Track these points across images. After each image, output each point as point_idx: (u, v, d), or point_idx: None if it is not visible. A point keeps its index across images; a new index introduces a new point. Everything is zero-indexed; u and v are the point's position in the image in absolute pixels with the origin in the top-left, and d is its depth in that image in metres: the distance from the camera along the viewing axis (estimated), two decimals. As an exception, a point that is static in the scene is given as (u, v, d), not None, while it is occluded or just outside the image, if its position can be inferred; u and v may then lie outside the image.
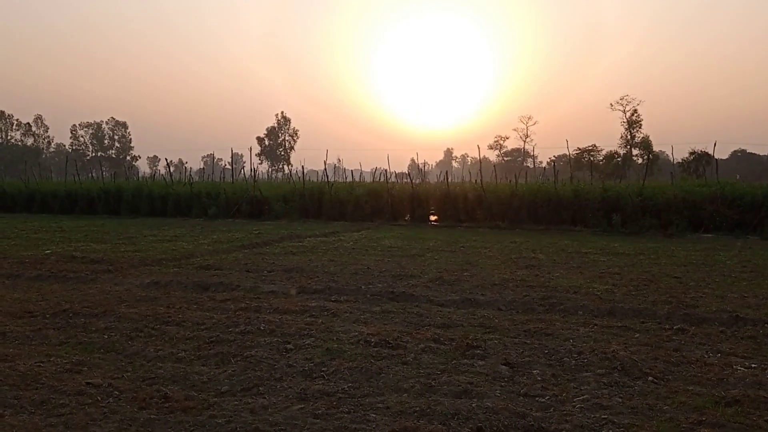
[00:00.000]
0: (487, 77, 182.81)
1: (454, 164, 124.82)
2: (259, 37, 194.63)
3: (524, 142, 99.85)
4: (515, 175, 23.68)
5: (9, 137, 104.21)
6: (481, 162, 23.34)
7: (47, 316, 6.38)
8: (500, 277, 8.98)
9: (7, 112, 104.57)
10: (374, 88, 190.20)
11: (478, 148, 27.60)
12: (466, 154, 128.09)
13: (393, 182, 24.58)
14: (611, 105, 74.04)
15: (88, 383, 4.24)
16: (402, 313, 6.64)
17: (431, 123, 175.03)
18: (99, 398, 4.00)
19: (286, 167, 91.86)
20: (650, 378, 4.52)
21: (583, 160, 60.81)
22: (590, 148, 67.12)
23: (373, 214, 21.15)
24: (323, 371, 4.61)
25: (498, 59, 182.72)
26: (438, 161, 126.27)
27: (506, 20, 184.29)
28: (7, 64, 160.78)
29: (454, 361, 4.88)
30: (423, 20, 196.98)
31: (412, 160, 76.81)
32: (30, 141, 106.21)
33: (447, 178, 22.74)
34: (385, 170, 26.44)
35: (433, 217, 21.03)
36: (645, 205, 17.21)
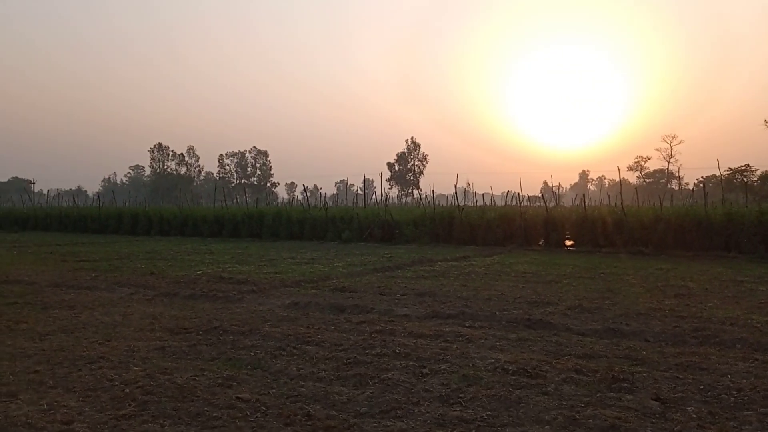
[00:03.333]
0: (624, 94, 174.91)
1: (591, 187, 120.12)
2: (393, 68, 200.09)
3: (668, 162, 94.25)
4: (659, 198, 22.32)
5: (165, 167, 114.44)
6: (621, 184, 22.18)
7: (200, 332, 6.84)
8: (646, 306, 8.44)
9: (165, 143, 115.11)
10: (507, 109, 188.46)
11: (618, 170, 26.34)
12: (603, 176, 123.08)
13: (526, 206, 24.05)
14: (766, 121, 68.07)
15: (237, 398, 4.47)
16: (540, 341, 6.42)
17: (565, 144, 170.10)
18: (248, 413, 4.20)
19: (415, 192, 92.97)
20: (825, 422, 4.02)
21: (735, 181, 56.19)
22: (743, 168, 61.95)
23: (505, 238, 20.78)
24: (460, 397, 4.54)
25: (635, 75, 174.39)
26: (573, 184, 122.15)
27: (642, 33, 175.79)
28: (165, 102, 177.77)
29: (599, 394, 4.62)
30: (556, 39, 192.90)
31: (545, 182, 74.92)
32: (183, 170, 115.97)
33: (584, 201, 21.90)
34: (517, 193, 25.95)
35: (568, 242, 20.27)
36: (810, 229, 15.52)
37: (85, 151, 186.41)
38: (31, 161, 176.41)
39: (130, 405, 4.34)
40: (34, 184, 75.43)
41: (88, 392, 4.64)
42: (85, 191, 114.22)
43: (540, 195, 29.02)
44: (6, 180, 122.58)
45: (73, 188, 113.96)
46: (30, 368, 5.29)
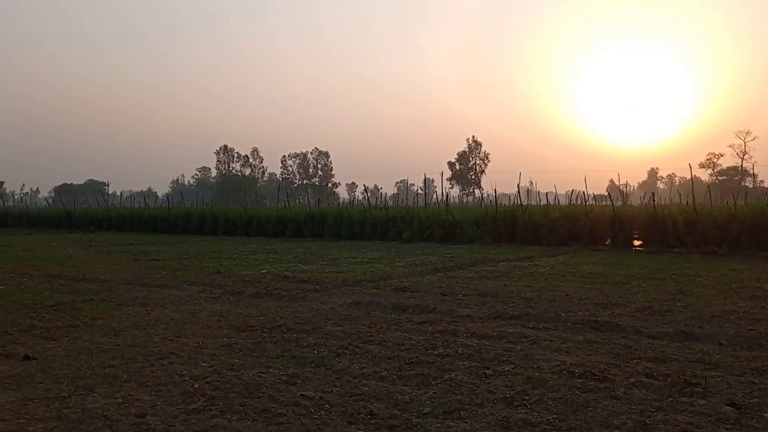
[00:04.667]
0: (695, 89, 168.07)
1: (660, 185, 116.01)
2: (457, 66, 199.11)
3: (741, 159, 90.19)
4: (733, 196, 21.35)
5: (231, 168, 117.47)
6: (693, 182, 21.27)
7: (265, 330, 6.98)
8: (720, 308, 8.08)
9: (230, 146, 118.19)
10: (570, 106, 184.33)
11: (690, 167, 25.16)
12: (673, 173, 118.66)
13: (591, 205, 23.43)
14: None
15: (302, 395, 4.54)
16: (607, 343, 6.24)
17: (633, 141, 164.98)
18: (312, 410, 4.26)
19: (476, 191, 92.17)
20: None
21: (816, 177, 53.16)
22: (825, 163, 58.58)
23: (569, 238, 20.28)
24: (525, 400, 4.46)
25: (705, 69, 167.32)
26: (641, 182, 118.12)
27: (711, 25, 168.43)
28: (230, 106, 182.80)
29: (670, 399, 4.45)
30: (624, 35, 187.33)
31: (612, 181, 72.81)
32: (248, 171, 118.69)
33: (653, 200, 21.17)
34: (582, 192, 25.32)
35: (636, 242, 19.62)
36: None
37: (155, 154, 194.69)
38: (105, 164, 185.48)
39: (199, 400, 4.47)
40: (108, 186, 78.94)
41: (159, 387, 4.81)
42: (155, 192, 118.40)
43: (606, 193, 28.22)
44: (82, 182, 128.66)
45: (144, 189, 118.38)
46: (105, 363, 5.53)
